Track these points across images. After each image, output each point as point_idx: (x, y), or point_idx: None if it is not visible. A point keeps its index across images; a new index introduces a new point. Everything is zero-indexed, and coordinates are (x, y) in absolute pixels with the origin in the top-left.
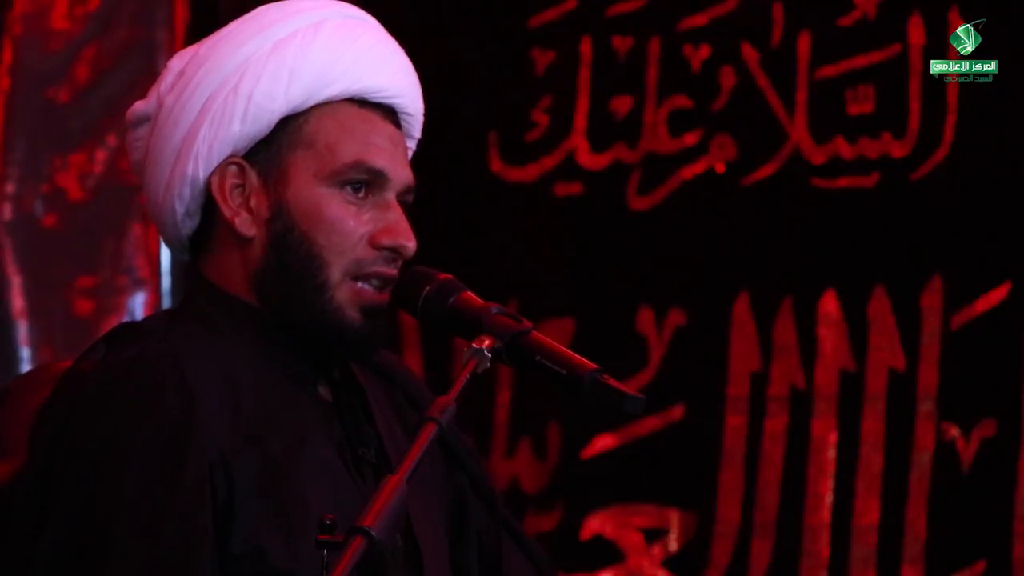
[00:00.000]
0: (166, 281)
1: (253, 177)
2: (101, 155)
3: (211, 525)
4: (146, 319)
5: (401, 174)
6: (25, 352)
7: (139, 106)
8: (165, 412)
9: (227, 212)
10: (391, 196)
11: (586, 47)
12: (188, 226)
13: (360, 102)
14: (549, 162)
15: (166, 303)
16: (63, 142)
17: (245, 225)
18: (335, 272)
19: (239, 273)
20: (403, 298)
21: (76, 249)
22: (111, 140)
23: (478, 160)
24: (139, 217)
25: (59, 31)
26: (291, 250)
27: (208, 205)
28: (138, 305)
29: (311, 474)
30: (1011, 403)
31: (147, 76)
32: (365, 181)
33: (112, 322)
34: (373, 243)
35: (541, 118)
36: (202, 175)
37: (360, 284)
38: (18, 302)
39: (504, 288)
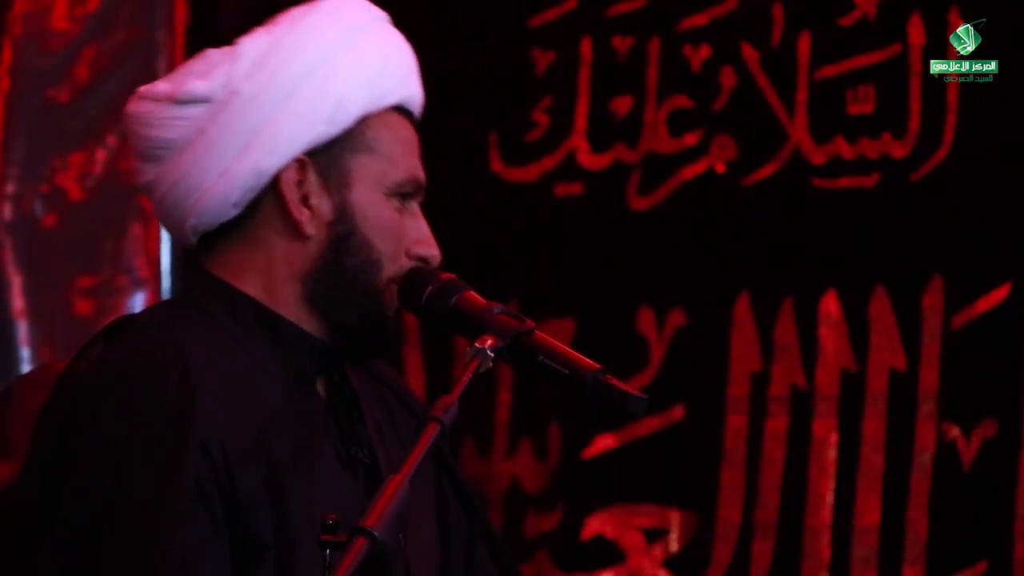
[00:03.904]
0: (166, 281)
1: (313, 176)
2: (101, 155)
3: (219, 521)
4: (143, 312)
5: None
6: (25, 352)
7: (200, 86)
8: (168, 404)
9: (294, 210)
10: (417, 205)
11: (586, 47)
12: (228, 215)
13: (399, 109)
14: (549, 162)
15: None
16: (63, 142)
17: (309, 224)
18: (384, 277)
19: (281, 269)
20: (406, 297)
21: (76, 249)
22: (111, 140)
23: (478, 160)
24: (139, 217)
25: (59, 31)
26: (352, 253)
27: (259, 198)
28: (138, 305)
29: (315, 475)
30: (1011, 403)
31: (147, 76)
32: (411, 193)
33: None
34: (410, 252)
35: (541, 118)
36: (274, 169)
37: (395, 288)
38: (18, 302)
39: (504, 288)
